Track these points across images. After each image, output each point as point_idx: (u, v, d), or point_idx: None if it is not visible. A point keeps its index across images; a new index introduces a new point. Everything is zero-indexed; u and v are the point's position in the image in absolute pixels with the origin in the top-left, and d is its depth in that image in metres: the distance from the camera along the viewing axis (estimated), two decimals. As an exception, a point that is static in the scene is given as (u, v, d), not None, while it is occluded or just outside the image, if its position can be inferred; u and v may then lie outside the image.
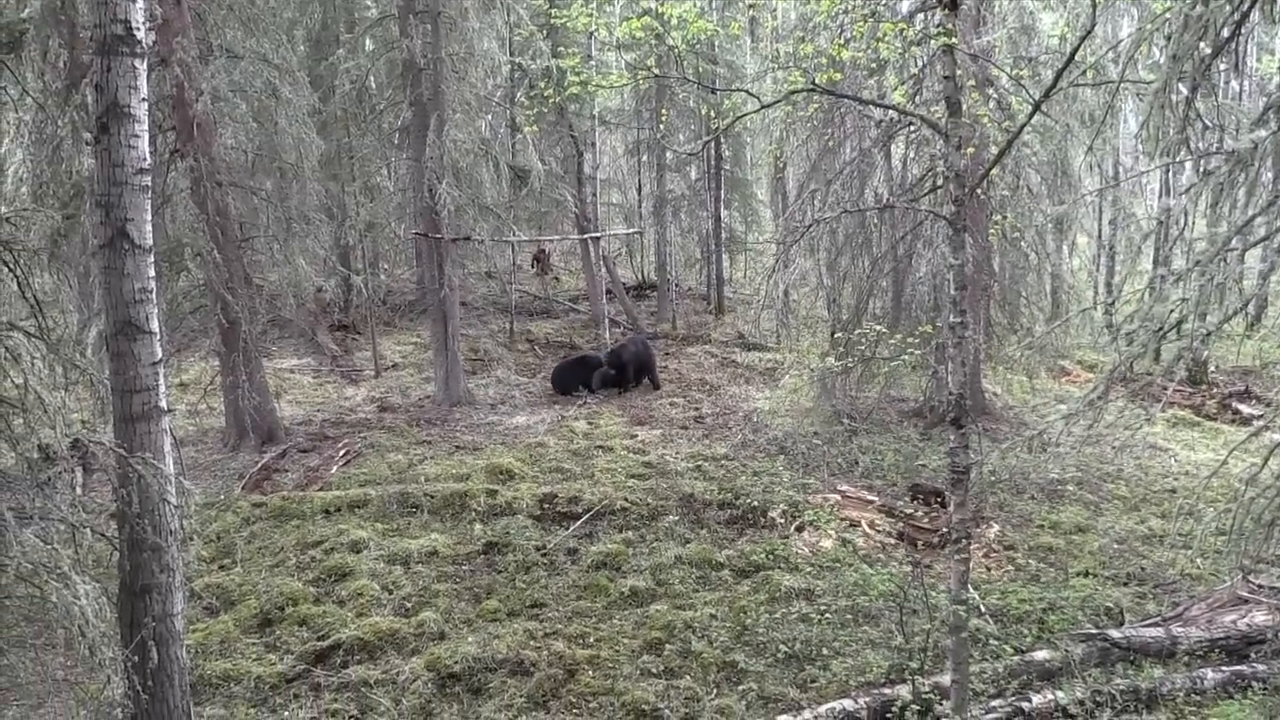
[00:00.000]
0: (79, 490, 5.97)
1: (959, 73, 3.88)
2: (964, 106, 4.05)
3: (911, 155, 8.32)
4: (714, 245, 15.44)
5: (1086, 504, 6.63)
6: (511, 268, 15.66)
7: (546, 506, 6.37)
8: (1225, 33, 3.29)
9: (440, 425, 8.63)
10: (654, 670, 4.53)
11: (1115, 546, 5.92)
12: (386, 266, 17.43)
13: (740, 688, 4.37)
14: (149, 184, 3.31)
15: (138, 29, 3.19)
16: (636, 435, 8.16)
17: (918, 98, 7.28)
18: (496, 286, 15.50)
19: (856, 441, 7.66)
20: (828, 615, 4.91)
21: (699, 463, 7.24)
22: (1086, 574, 5.50)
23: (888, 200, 7.70)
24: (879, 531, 6.03)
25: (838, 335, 7.73)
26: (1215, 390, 9.94)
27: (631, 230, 18.33)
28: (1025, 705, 4.09)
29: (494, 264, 13.99)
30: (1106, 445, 7.03)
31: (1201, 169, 3.61)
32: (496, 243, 11.05)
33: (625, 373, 10.07)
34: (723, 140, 14.82)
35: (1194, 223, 4.53)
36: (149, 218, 3.29)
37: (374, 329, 11.51)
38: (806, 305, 11.72)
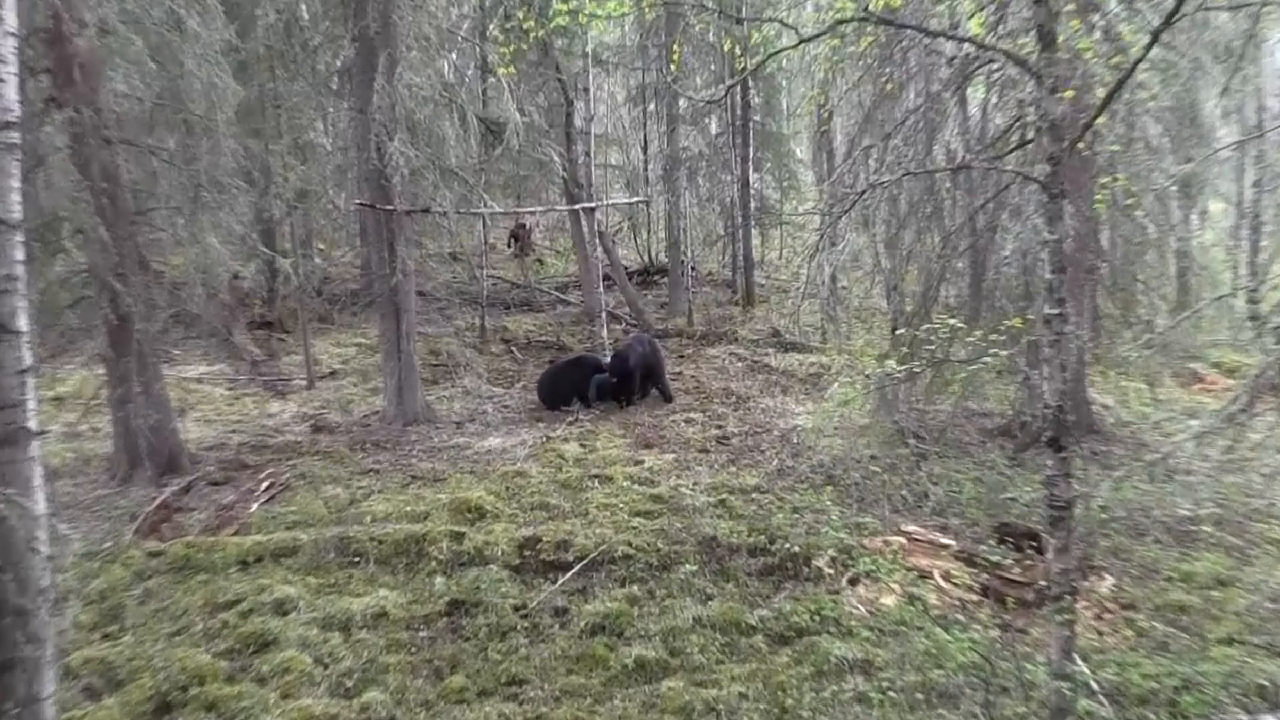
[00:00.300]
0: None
1: (1056, -8, 3.86)
2: (1060, 38, 4.03)
3: (994, 101, 8.30)
4: (741, 218, 15.45)
5: (1229, 549, 6.56)
6: (482, 248, 15.73)
7: (528, 554, 6.35)
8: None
9: (391, 449, 8.67)
10: (667, 767, 4.48)
11: (1268, 606, 5.84)
12: (322, 247, 17.50)
13: (779, 790, 4.32)
14: (17, 141, 3.30)
15: (-1, -58, 3.18)
16: (643, 461, 8.16)
17: (1000, 28, 7.26)
18: (463, 272, 15.56)
19: (926, 468, 7.63)
20: (892, 694, 4.85)
21: (723, 496, 7.23)
22: (1231, 641, 5.43)
23: (963, 159, 7.69)
24: (957, 585, 5.99)
25: (900, 331, 7.72)
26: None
27: (635, 200, 18.37)
28: (1152, 813, 4.02)
29: (460, 243, 14.07)
30: (1253, 472, 6.95)
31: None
32: (463, 216, 11.06)
33: (629, 381, 10.12)
34: (751, 84, 14.84)
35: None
36: (17, 185, 3.29)
37: (306, 327, 11.55)
38: (860, 293, 11.72)
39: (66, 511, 6.97)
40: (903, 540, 6.43)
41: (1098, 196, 7.07)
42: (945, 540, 6.48)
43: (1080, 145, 5.61)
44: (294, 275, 11.38)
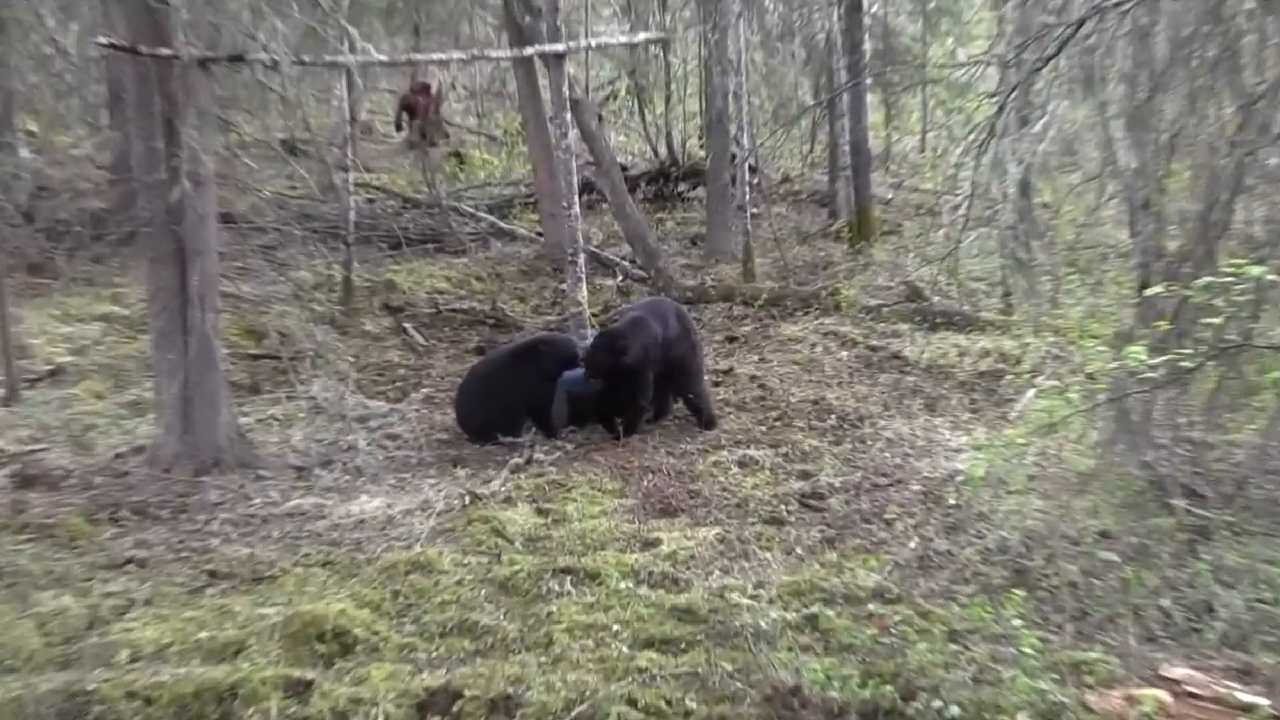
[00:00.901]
0: None
1: None
2: None
3: None
4: (846, 73, 15.42)
5: None
6: (348, 132, 15.70)
7: (434, 721, 6.31)
8: None
9: (169, 521, 8.71)
10: None
11: None
12: (34, 130, 17.49)
13: None
14: None
15: None
16: (658, 541, 8.18)
17: None
18: (311, 178, 15.54)
19: (1209, 555, 7.57)
20: None
21: (812, 609, 7.20)
22: None
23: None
24: (1270, 783, 5.96)
25: (1155, 290, 7.66)
26: None
27: (642, 39, 18.34)
28: None
29: (304, 123, 14.05)
30: None
31: None
32: (310, 70, 11.01)
33: (631, 386, 10.22)
34: None
35: None
36: None
37: (2, 284, 11.57)
38: (1078, 216, 11.62)
39: None
40: (1164, 696, 6.38)
41: None
42: (1248, 696, 6.42)
43: None
44: (-15, 187, 11.39)
